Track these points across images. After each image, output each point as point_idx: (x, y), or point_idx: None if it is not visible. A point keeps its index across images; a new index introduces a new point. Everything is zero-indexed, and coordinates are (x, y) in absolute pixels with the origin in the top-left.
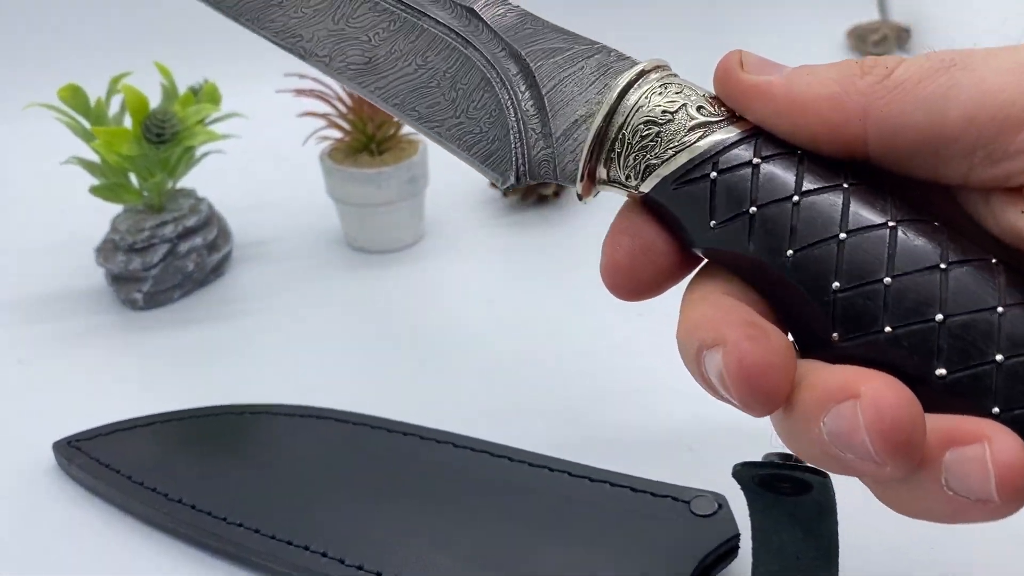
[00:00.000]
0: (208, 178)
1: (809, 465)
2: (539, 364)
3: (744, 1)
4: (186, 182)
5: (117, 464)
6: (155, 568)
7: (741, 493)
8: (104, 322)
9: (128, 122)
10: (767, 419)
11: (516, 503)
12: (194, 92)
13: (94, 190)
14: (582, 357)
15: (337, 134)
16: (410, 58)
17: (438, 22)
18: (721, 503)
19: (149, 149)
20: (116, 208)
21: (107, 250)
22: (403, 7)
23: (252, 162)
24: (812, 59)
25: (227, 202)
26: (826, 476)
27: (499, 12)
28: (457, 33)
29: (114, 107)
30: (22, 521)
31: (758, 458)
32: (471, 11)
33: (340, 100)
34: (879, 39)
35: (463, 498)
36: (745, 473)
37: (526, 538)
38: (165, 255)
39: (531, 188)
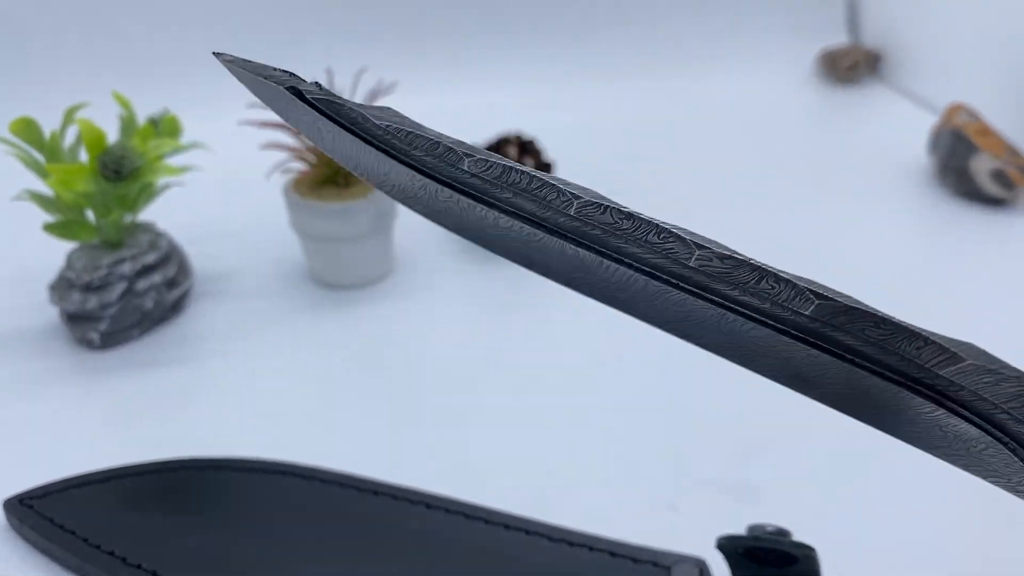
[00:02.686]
0: (167, 209)
1: (795, 540)
2: (514, 415)
3: (712, 26)
4: (144, 213)
5: (72, 524)
6: None
7: (724, 557)
8: (59, 364)
9: (84, 156)
10: (746, 475)
11: (492, 570)
12: (154, 124)
13: (48, 228)
14: (559, 409)
15: (302, 166)
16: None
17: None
18: (703, 569)
19: (106, 186)
20: (70, 243)
21: (61, 288)
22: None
23: (212, 192)
24: (782, 84)
25: (187, 233)
26: (812, 549)
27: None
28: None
29: (69, 138)
30: None
31: (740, 519)
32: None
33: None
34: (851, 65)
35: (439, 565)
36: (730, 545)
37: None
38: (123, 293)
39: None
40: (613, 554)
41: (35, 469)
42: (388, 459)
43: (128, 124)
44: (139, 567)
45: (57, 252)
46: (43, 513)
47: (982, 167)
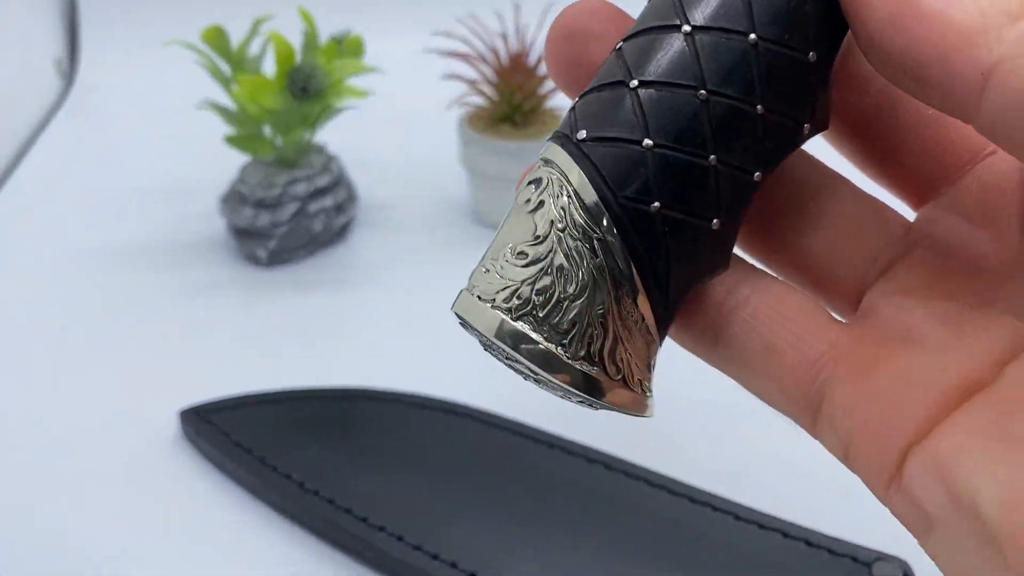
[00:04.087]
0: (337, 133)
1: None
2: (685, 381)
3: None
4: (316, 135)
5: (248, 442)
6: (285, 560)
7: (928, 558)
8: (226, 277)
9: (269, 69)
10: None
11: (680, 545)
12: (338, 42)
13: (230, 140)
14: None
15: (481, 101)
16: None
17: None
18: (907, 571)
19: (292, 102)
20: (241, 156)
21: (233, 201)
22: None
23: (385, 119)
24: None
25: (354, 160)
26: None
27: None
28: None
29: (253, 50)
30: (149, 489)
31: None
32: None
33: (489, 64)
34: None
35: (618, 530)
36: None
37: None
38: (295, 214)
39: None
40: (809, 543)
41: (203, 379)
42: (548, 412)
43: (311, 41)
44: (316, 494)
45: (228, 164)
46: (220, 427)
47: None
